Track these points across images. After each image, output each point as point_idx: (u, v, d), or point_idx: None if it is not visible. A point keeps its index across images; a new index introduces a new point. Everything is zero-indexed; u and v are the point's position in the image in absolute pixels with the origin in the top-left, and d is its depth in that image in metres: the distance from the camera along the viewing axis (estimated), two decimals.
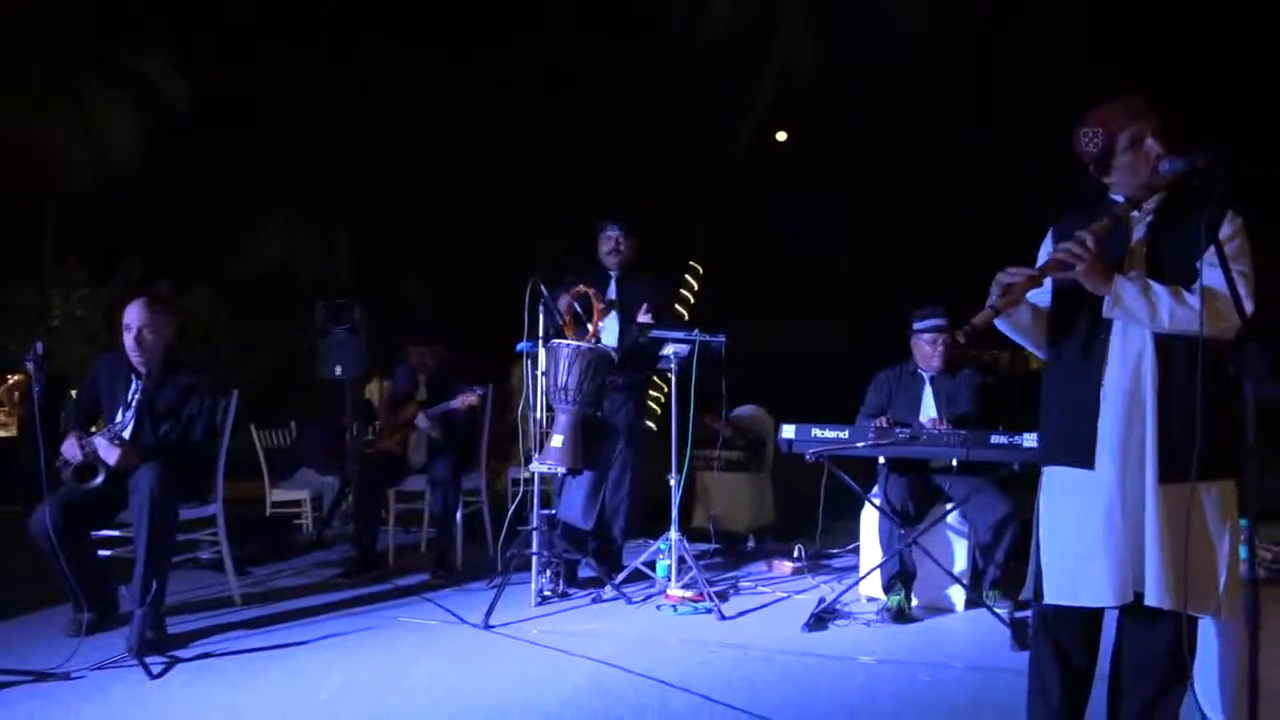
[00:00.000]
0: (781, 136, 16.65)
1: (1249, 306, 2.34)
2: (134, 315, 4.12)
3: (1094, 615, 2.55)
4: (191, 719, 3.04)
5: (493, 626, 4.09)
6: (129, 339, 4.11)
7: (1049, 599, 2.52)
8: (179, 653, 3.69)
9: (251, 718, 3.05)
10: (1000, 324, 2.59)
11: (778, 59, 15.19)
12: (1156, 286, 2.38)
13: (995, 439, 3.98)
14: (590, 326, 4.67)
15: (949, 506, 4.37)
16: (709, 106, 15.58)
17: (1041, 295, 2.63)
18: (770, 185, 15.93)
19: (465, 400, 5.27)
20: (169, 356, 4.22)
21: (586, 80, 15.24)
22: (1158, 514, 2.37)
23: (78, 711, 3.11)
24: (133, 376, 4.18)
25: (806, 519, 5.44)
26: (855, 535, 4.88)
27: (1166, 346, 2.41)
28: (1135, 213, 2.49)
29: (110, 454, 3.92)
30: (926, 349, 4.62)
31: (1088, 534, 2.45)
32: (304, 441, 7.20)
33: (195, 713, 3.09)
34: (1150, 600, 2.37)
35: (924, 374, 4.66)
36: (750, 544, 5.96)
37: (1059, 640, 2.56)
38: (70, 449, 3.95)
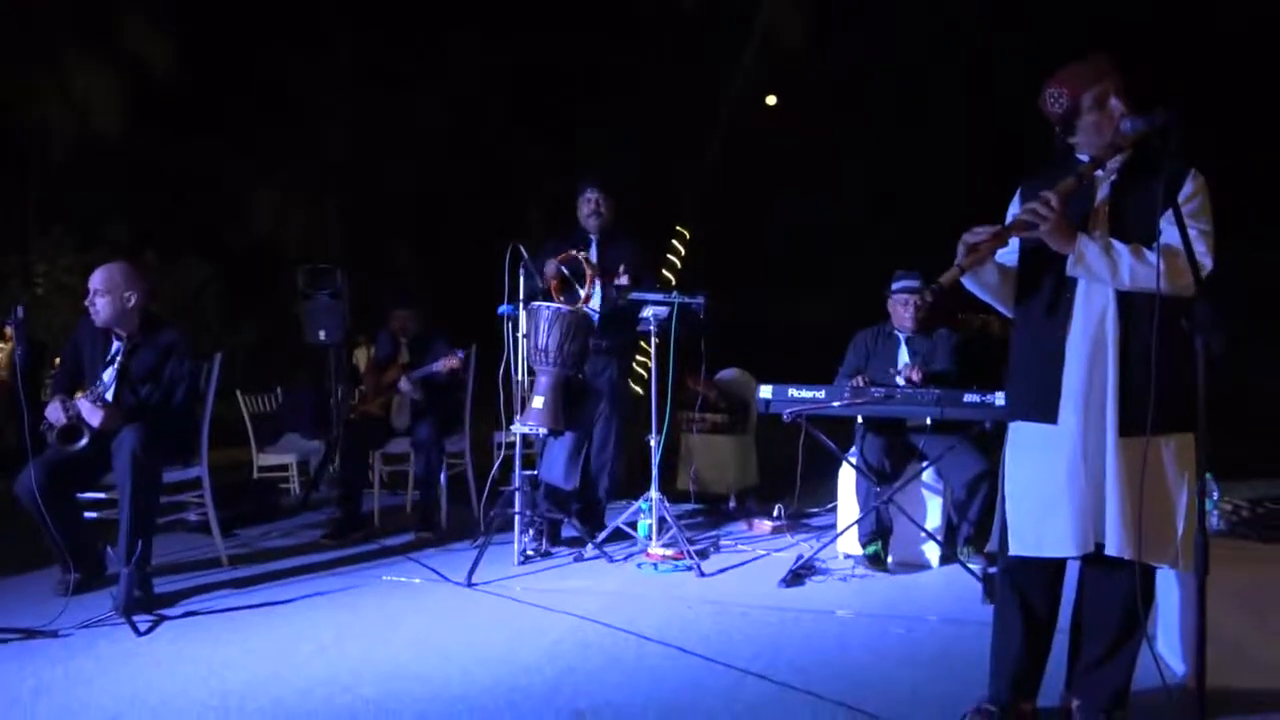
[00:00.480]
0: (771, 101, 16.58)
1: (1208, 264, 2.40)
2: (95, 279, 4.16)
3: (1057, 566, 2.63)
4: (178, 674, 3.10)
5: (476, 584, 4.16)
6: (88, 302, 4.15)
7: (1013, 550, 2.60)
8: (165, 611, 3.75)
9: (238, 673, 3.11)
10: (968, 283, 2.64)
11: (763, 24, 15.09)
12: (1118, 245, 2.43)
13: (968, 398, 4.04)
14: (582, 291, 4.71)
15: (924, 464, 4.44)
16: (702, 72, 15.50)
17: (1009, 255, 2.68)
18: (760, 153, 15.90)
19: (447, 363, 5.31)
20: (145, 318, 4.25)
21: (579, 49, 15.12)
22: (1118, 466, 2.44)
23: (65, 667, 3.17)
24: (113, 338, 4.21)
25: (789, 481, 5.52)
26: (835, 496, 4.96)
27: (1128, 304, 2.46)
28: (1099, 172, 2.54)
29: (94, 415, 3.95)
30: (900, 310, 4.68)
31: (1050, 487, 2.51)
32: (289, 407, 7.24)
33: (182, 668, 3.15)
34: (1110, 550, 2.45)
35: (899, 334, 4.72)
36: (732, 504, 6.05)
37: (1023, 590, 2.64)
38: (54, 412, 3.98)
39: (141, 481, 3.88)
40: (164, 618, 3.68)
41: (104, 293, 4.13)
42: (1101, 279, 2.44)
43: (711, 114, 15.34)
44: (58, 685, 3.01)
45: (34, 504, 3.82)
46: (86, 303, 4.15)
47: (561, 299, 4.68)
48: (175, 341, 4.23)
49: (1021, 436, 2.63)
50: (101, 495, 4.15)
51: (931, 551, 4.56)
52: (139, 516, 3.87)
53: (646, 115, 15.17)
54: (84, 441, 3.93)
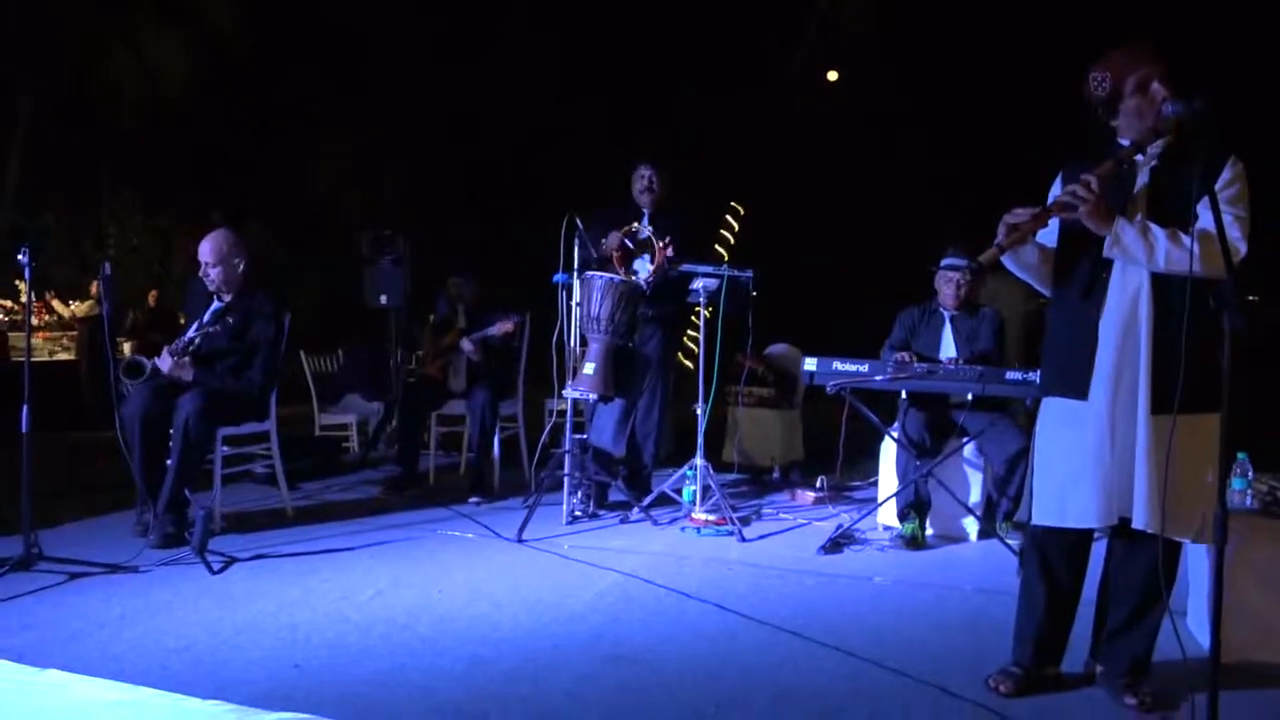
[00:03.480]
0: (833, 76, 16.44)
1: (1243, 249, 2.47)
2: (204, 251, 4.51)
3: (1082, 537, 2.72)
4: (249, 609, 3.33)
5: (525, 541, 4.36)
6: (202, 273, 4.53)
7: (1037, 520, 2.70)
8: (236, 553, 4.00)
9: (303, 610, 3.34)
10: (1008, 263, 2.73)
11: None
12: (1155, 228, 2.50)
13: (1010, 375, 4.12)
14: (650, 265, 4.85)
15: (964, 440, 4.52)
16: (759, 45, 15.42)
17: (1049, 236, 2.76)
18: (820, 126, 15.81)
19: (502, 327, 5.49)
20: (246, 281, 4.58)
21: (640, 23, 15.14)
22: (1147, 443, 2.52)
23: (146, 599, 3.42)
24: (214, 298, 4.58)
25: (834, 455, 5.62)
26: (878, 470, 5.06)
27: (1162, 287, 2.53)
28: (1140, 157, 2.61)
29: (163, 362, 4.32)
30: (946, 288, 4.75)
31: (1078, 460, 2.61)
32: (350, 368, 7.50)
33: (252, 604, 3.39)
34: (1137, 523, 2.54)
35: (945, 313, 4.79)
36: (776, 475, 6.17)
37: (1047, 559, 2.74)
38: (163, 362, 4.34)
39: (187, 446, 4.17)
40: (234, 559, 3.93)
41: (214, 264, 4.49)
42: (1137, 261, 2.52)
43: (768, 88, 15.28)
44: (141, 614, 3.27)
45: (133, 429, 4.14)
46: (201, 274, 4.52)
47: (623, 269, 4.83)
48: (264, 304, 4.53)
49: (1053, 411, 2.72)
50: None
51: (971, 526, 4.64)
52: (180, 474, 4.18)
53: (702, 88, 15.15)
54: (143, 379, 4.25)
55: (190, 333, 4.45)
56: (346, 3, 14.84)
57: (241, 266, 4.52)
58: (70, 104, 14.12)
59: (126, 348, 9.43)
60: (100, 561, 3.78)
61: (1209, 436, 2.53)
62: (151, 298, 11.56)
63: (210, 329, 4.40)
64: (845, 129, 16.07)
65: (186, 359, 4.33)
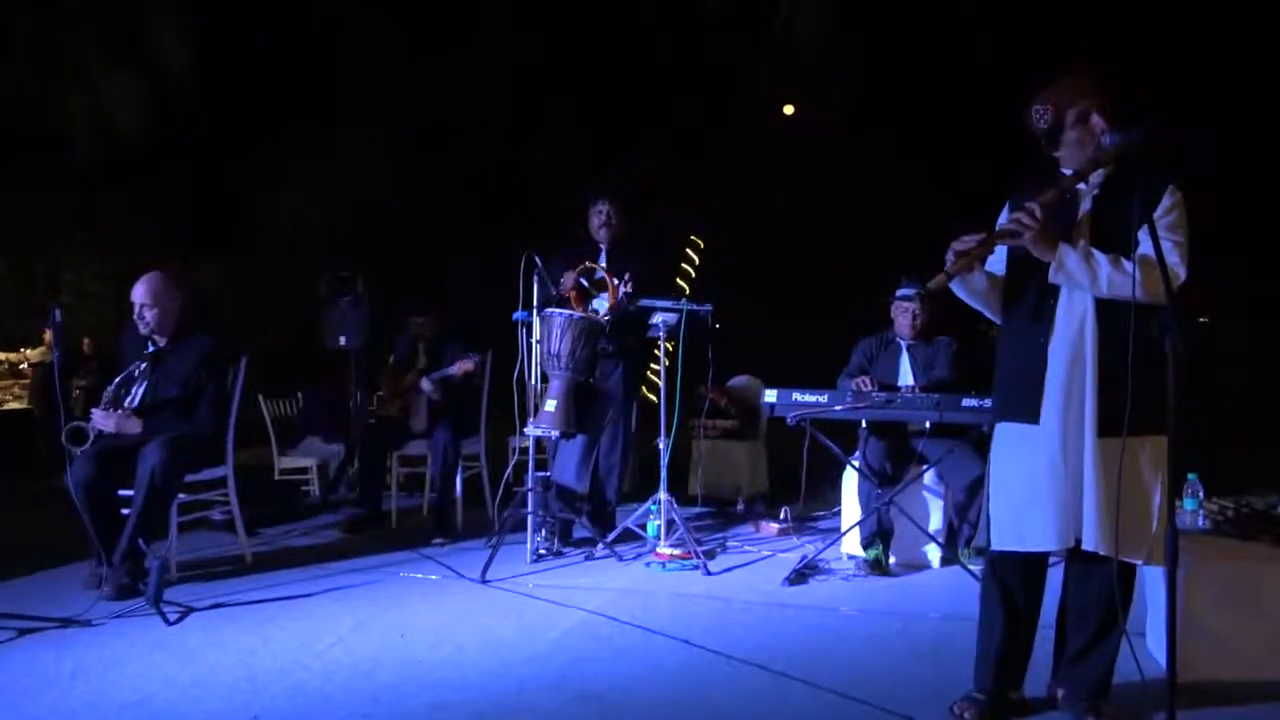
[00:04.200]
0: (789, 110, 16.67)
1: (1182, 273, 2.54)
2: (138, 293, 4.40)
3: (1038, 560, 2.76)
4: (206, 660, 3.26)
5: (490, 581, 4.31)
6: (135, 314, 4.41)
7: (996, 545, 2.73)
8: (193, 602, 3.91)
9: (262, 659, 3.28)
10: (957, 289, 2.79)
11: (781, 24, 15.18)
12: (1098, 254, 2.57)
13: (967, 402, 4.18)
14: (606, 302, 4.85)
15: (924, 467, 4.57)
16: (720, 77, 15.59)
17: (997, 264, 2.82)
18: (778, 158, 16.00)
19: (462, 367, 5.47)
20: (180, 324, 4.47)
21: (602, 55, 15.25)
22: (1095, 466, 2.57)
23: (100, 652, 3.34)
24: (149, 344, 4.45)
25: (797, 486, 5.64)
26: (840, 499, 5.08)
27: (1107, 312, 2.59)
28: (1082, 186, 2.68)
29: (105, 422, 4.23)
30: (901, 318, 4.82)
31: (1033, 484, 2.65)
32: (310, 410, 7.42)
33: (209, 654, 3.32)
34: (1087, 545, 2.58)
35: (901, 342, 4.85)
36: (740, 507, 6.18)
37: (1006, 583, 2.77)
38: (103, 422, 4.24)
39: (152, 497, 4.09)
40: (191, 609, 3.85)
41: (150, 305, 4.38)
42: (1081, 286, 2.58)
43: (729, 120, 15.46)
44: (93, 668, 3.18)
45: (77, 496, 4.03)
46: (135, 316, 4.40)
47: (580, 308, 4.84)
48: (208, 349, 4.44)
49: (1006, 436, 2.76)
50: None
51: (933, 553, 4.67)
52: (142, 524, 4.10)
53: (663, 120, 15.28)
54: (88, 445, 4.14)
55: (113, 386, 4.36)
56: (305, 35, 14.80)
57: (177, 308, 4.44)
58: (19, 145, 13.92)
59: (77, 393, 9.25)
60: (52, 616, 3.69)
61: (1155, 458, 2.59)
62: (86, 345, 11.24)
63: (144, 378, 4.33)
64: (801, 162, 16.30)
65: (129, 414, 4.26)
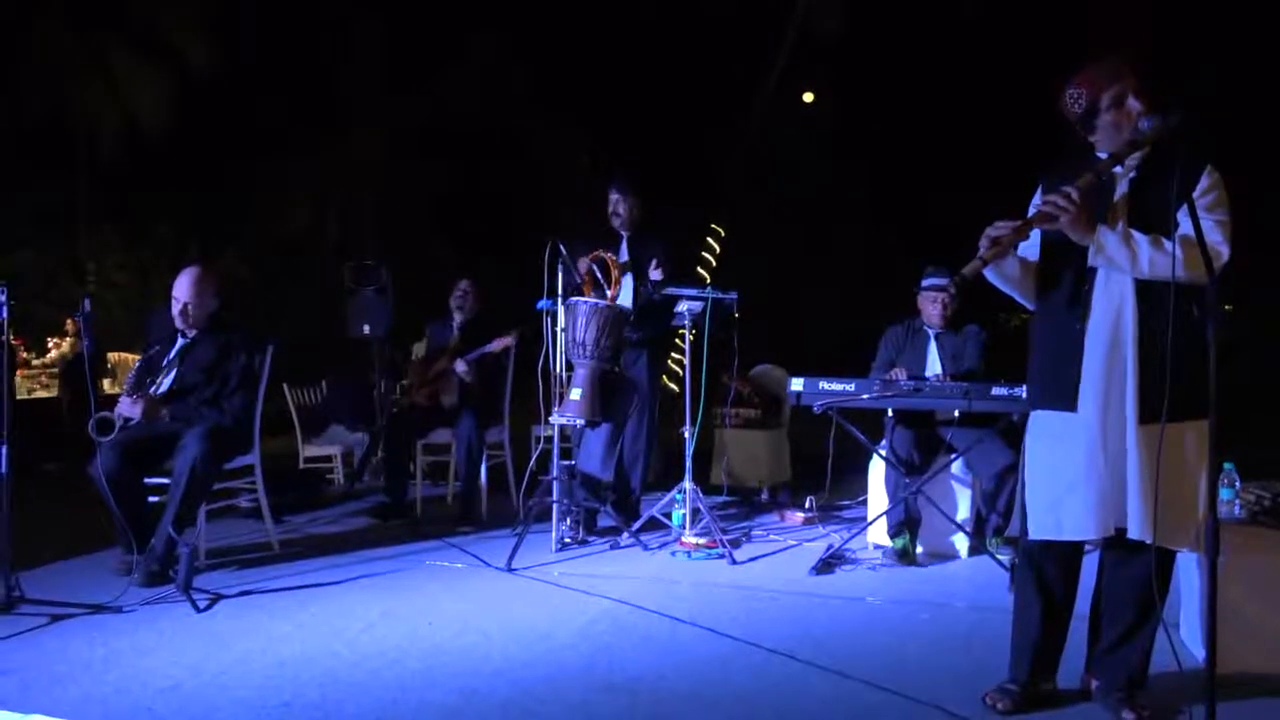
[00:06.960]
0: (809, 98, 16.55)
1: (1225, 251, 2.49)
2: (181, 289, 4.44)
3: (1074, 550, 2.72)
4: (235, 647, 3.28)
5: (515, 569, 4.31)
6: (176, 309, 4.44)
7: (1033, 534, 2.70)
8: (222, 589, 3.94)
9: (291, 646, 3.29)
10: (991, 276, 2.74)
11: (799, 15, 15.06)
12: (1137, 235, 2.52)
13: (996, 391, 4.13)
14: (609, 290, 4.84)
15: (952, 456, 4.53)
16: (738, 69, 15.52)
17: (1031, 249, 2.77)
18: (798, 147, 15.90)
19: (501, 342, 5.50)
20: (214, 318, 4.52)
21: (617, 44, 15.19)
22: (1138, 453, 2.52)
23: (131, 639, 3.36)
24: (179, 335, 4.49)
25: (822, 475, 5.62)
26: (866, 489, 5.05)
27: (1146, 295, 2.55)
28: (1118, 169, 2.63)
29: (132, 409, 4.24)
30: (929, 307, 4.77)
31: (1070, 472, 2.61)
32: (334, 399, 7.45)
33: (239, 641, 3.34)
34: (1132, 534, 2.54)
35: (929, 330, 4.81)
36: (764, 497, 6.16)
37: (1042, 573, 2.73)
38: (130, 410, 4.25)
39: (193, 488, 4.12)
40: (221, 595, 3.87)
41: (189, 300, 4.42)
42: (1121, 268, 2.53)
43: (748, 108, 15.38)
44: (125, 655, 3.20)
45: (103, 486, 4.04)
46: (176, 311, 4.43)
47: (593, 295, 4.83)
48: (234, 337, 4.48)
49: (1042, 424, 2.72)
50: (166, 480, 4.34)
51: (961, 542, 4.64)
52: (181, 515, 4.11)
53: (682, 109, 15.21)
54: (114, 434, 4.16)
55: (134, 372, 4.40)
56: (318, 33, 14.84)
57: (215, 302, 4.49)
58: (44, 138, 14.04)
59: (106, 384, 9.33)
60: (83, 602, 3.71)
61: (1197, 443, 2.55)
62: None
63: (173, 367, 4.36)
64: (823, 149, 16.19)
65: (156, 401, 4.28)
